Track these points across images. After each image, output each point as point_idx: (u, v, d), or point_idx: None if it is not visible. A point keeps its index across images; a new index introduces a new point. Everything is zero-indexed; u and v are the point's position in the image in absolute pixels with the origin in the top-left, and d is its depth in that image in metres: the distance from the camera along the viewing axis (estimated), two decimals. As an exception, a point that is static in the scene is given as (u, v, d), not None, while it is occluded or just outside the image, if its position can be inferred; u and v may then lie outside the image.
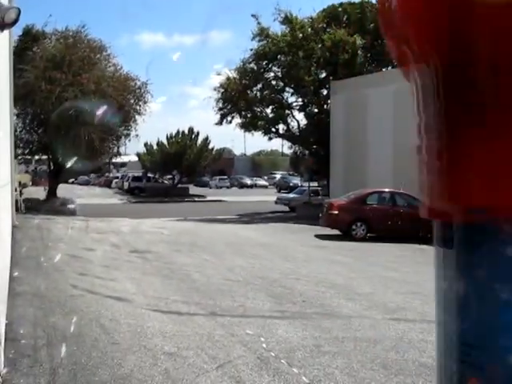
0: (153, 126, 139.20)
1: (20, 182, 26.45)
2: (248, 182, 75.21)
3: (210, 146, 54.99)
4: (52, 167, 31.52)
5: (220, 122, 34.70)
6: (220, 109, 34.16)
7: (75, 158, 32.50)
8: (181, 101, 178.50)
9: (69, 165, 34.28)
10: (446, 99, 0.57)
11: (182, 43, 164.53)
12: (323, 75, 32.47)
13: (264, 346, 6.62)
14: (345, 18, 32.89)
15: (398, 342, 6.99)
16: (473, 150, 0.53)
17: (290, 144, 38.97)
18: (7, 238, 9.48)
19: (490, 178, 0.53)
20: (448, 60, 0.58)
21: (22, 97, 24.05)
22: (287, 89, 33.82)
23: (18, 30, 25.61)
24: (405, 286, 11.10)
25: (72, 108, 26.66)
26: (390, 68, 32.31)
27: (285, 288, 10.19)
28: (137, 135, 32.60)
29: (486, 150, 0.53)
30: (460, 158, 0.55)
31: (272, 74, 33.40)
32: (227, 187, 69.29)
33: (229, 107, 33.96)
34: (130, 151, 64.24)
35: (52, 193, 31.26)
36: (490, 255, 0.54)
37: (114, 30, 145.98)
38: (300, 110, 34.10)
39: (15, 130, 23.59)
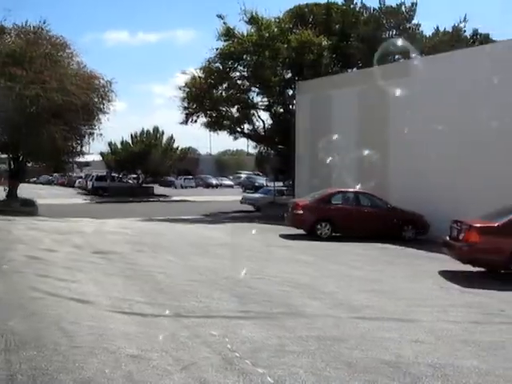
0: (117, 125, 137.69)
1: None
2: (213, 181, 75.04)
3: (175, 146, 54.80)
4: (12, 166, 30.89)
5: (185, 122, 34.49)
6: (185, 108, 33.97)
7: (37, 157, 32.02)
8: (146, 100, 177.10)
9: (30, 164, 33.76)
10: None
11: (146, 41, 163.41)
12: (289, 75, 32.53)
13: (229, 346, 6.59)
14: (311, 19, 33.02)
15: (362, 341, 7.04)
16: None
17: (255, 144, 38.97)
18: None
19: None
20: None
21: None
22: (253, 89, 33.80)
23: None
24: (369, 284, 11.20)
25: (33, 105, 26.18)
26: (354, 69, 32.61)
27: (249, 288, 10.17)
28: (101, 134, 32.18)
29: None
30: None
31: (238, 74, 33.34)
32: (192, 187, 68.99)
33: (194, 106, 33.78)
34: (93, 150, 63.52)
35: (12, 193, 30.64)
36: None
37: (77, 28, 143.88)
38: (265, 110, 34.13)
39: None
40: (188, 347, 6.53)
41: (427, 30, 44.35)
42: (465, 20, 33.90)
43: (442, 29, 34.63)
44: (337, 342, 6.96)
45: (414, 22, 34.54)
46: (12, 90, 25.65)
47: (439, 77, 20.29)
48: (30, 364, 5.71)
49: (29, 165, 33.64)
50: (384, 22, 33.93)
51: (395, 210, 19.89)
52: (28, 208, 27.81)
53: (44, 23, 29.22)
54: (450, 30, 34.14)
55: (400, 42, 10.05)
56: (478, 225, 12.38)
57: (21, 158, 30.71)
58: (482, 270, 12.79)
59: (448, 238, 13.14)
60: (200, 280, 10.82)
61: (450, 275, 12.43)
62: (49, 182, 68.91)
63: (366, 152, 23.34)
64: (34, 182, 62.32)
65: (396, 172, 22.10)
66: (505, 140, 17.95)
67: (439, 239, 13.95)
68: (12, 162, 30.84)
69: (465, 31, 34.19)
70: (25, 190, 32.05)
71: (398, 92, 21.93)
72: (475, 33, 34.17)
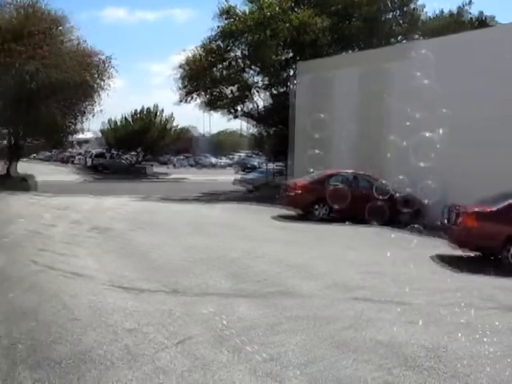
0: (116, 103, 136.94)
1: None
2: (210, 161, 74.96)
3: (174, 124, 54.70)
4: (12, 142, 30.86)
5: (183, 101, 34.39)
6: (184, 86, 33.82)
7: (36, 133, 31.96)
8: (144, 78, 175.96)
9: (29, 140, 33.71)
10: None
11: (144, 20, 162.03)
12: (289, 55, 32.38)
13: (223, 323, 6.71)
14: (312, -1, 32.79)
15: (356, 321, 7.15)
16: None
17: (252, 124, 38.88)
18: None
19: None
20: None
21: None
22: (252, 68, 33.63)
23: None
24: (364, 266, 11.28)
25: (33, 81, 26.10)
26: (356, 50, 32.45)
27: (244, 267, 10.27)
28: (101, 110, 32.07)
29: None
30: None
31: (238, 53, 33.18)
32: (190, 166, 68.98)
33: (194, 85, 33.63)
34: (93, 127, 63.41)
35: (12, 168, 30.65)
36: None
37: (74, 4, 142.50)
38: (264, 90, 34.01)
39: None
40: (184, 323, 6.65)
41: (431, 12, 44.09)
42: (470, 3, 33.75)
43: (446, 11, 34.53)
44: (331, 321, 7.06)
45: (419, 3, 34.36)
46: (11, 66, 25.55)
47: (442, 60, 20.22)
48: (29, 335, 5.83)
49: (28, 141, 33.58)
50: (388, 2, 33.71)
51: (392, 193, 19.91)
52: (27, 184, 27.86)
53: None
54: (455, 13, 33.98)
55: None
56: (475, 209, 12.48)
57: (20, 134, 30.66)
58: (478, 254, 12.89)
59: (445, 222, 13.22)
60: (196, 258, 10.90)
61: (445, 259, 12.55)
62: (48, 159, 68.75)
63: (366, 134, 23.36)
64: (34, 158, 62.16)
65: (395, 156, 22.09)
66: (507, 125, 17.94)
67: (436, 223, 14.02)
68: (12, 138, 30.79)
69: (469, 14, 34.04)
70: (25, 166, 32.06)
71: (399, 74, 21.88)
72: (480, 15, 34.02)
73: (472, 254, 12.79)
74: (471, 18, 33.79)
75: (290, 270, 10.32)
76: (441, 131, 19.94)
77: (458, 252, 12.72)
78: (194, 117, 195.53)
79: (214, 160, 75.15)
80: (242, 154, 73.49)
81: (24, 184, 27.29)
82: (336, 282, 9.49)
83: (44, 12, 28.91)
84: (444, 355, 6.07)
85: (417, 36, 33.85)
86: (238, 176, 41.27)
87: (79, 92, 29.03)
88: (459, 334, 6.84)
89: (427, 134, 20.37)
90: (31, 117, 27.46)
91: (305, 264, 11.04)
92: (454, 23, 32.47)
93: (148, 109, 53.28)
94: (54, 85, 26.71)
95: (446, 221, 13.23)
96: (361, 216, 18.78)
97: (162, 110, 53.25)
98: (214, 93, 33.78)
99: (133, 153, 55.80)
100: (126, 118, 54.12)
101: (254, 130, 40.16)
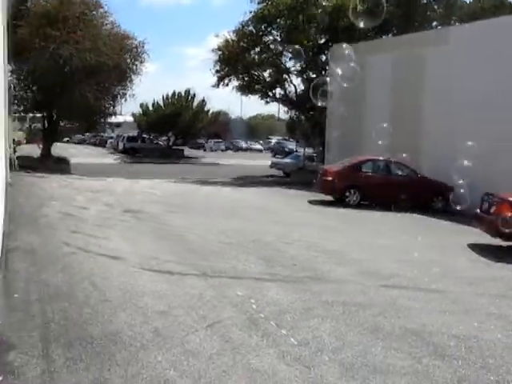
0: (150, 87, 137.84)
1: (14, 140, 26.30)
2: (243, 145, 74.97)
3: (207, 109, 54.76)
4: (47, 125, 31.27)
5: (217, 85, 34.44)
6: (217, 71, 33.85)
7: (69, 116, 32.34)
8: (179, 62, 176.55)
9: (63, 123, 34.13)
10: None
11: (179, 3, 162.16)
12: (323, 40, 32.11)
13: (254, 307, 6.70)
14: (347, -17, 32.41)
15: (387, 308, 7.08)
16: None
17: (286, 109, 38.72)
18: (1, 194, 9.46)
19: None
20: None
21: (16, 53, 23.69)
22: (286, 53, 33.46)
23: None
24: (396, 253, 11.19)
25: (67, 65, 26.33)
26: (390, 35, 31.99)
27: (277, 251, 10.25)
28: (133, 95, 32.24)
29: None
30: None
31: (271, 38, 33.02)
32: (222, 150, 69.10)
33: (226, 70, 33.64)
34: (125, 111, 63.96)
35: (46, 151, 31.09)
36: None
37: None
38: (298, 75, 33.82)
39: (9, 87, 23.33)
40: (214, 306, 6.65)
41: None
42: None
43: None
44: (362, 308, 7.01)
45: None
46: (46, 50, 25.81)
47: (479, 45, 19.79)
48: (62, 314, 5.89)
49: (62, 124, 33.98)
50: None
51: (426, 180, 19.71)
52: (61, 166, 28.22)
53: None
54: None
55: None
56: (511, 198, 12.22)
57: (54, 117, 31.04)
58: (512, 244, 12.65)
59: (479, 211, 12.99)
60: (228, 242, 10.92)
61: (478, 248, 12.36)
62: (81, 142, 69.63)
63: (399, 120, 23.06)
64: (67, 142, 62.99)
65: (429, 142, 21.81)
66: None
67: (470, 212, 13.81)
68: (46, 121, 31.20)
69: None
70: (58, 149, 32.50)
71: (434, 60, 21.52)
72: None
73: (506, 244, 12.54)
74: (510, 2, 32.95)
75: (322, 255, 10.27)
76: (477, 118, 19.62)
77: (495, 241, 12.50)
78: (226, 102, 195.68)
79: (245, 145, 75.12)
80: (276, 139, 73.41)
81: (58, 167, 27.64)
82: (369, 268, 9.41)
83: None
84: (475, 345, 5.98)
85: (453, 21, 33.21)
86: (274, 160, 41.34)
87: (112, 76, 29.22)
88: (491, 325, 6.73)
89: (463, 121, 20.08)
90: (65, 100, 27.77)
91: (338, 249, 10.98)
92: (493, 7, 31.72)
93: (180, 93, 53.42)
94: (88, 69, 26.94)
95: (478, 210, 12.98)
96: (394, 202, 18.64)
97: (194, 95, 53.38)
98: (247, 78, 33.74)
99: (164, 137, 56.09)
100: (157, 102, 54.38)
101: (288, 115, 40.08)
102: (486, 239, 12.65)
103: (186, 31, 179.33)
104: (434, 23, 33.67)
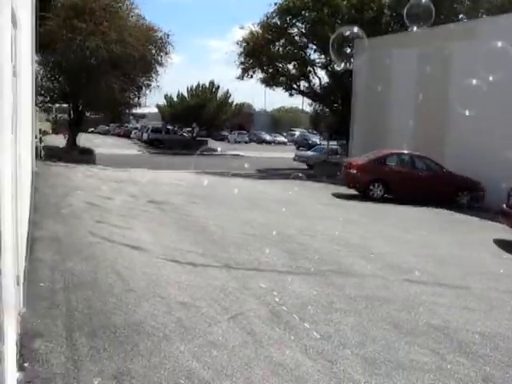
0: (174, 79, 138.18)
1: (40, 130, 26.55)
2: (267, 137, 74.85)
3: (230, 101, 54.78)
4: (72, 116, 31.54)
5: (241, 77, 34.45)
6: (242, 63, 33.86)
7: (95, 107, 32.58)
8: (203, 54, 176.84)
9: (88, 114, 34.39)
10: None
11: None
12: (348, 33, 31.94)
13: (276, 300, 6.70)
14: (372, -25, 32.13)
15: (411, 303, 7.03)
16: None
17: (310, 101, 38.59)
18: (27, 183, 9.57)
19: None
20: None
21: (43, 45, 23.90)
22: (310, 46, 33.34)
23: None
24: (420, 248, 11.10)
25: (93, 57, 26.51)
26: (415, 29, 31.62)
27: (300, 244, 10.23)
28: (158, 86, 32.35)
29: None
30: None
31: (296, 30, 32.91)
32: (246, 142, 69.07)
33: (251, 62, 33.61)
34: (150, 103, 64.18)
35: (72, 141, 31.35)
36: None
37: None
38: (322, 68, 33.68)
39: (36, 77, 23.56)
40: (236, 298, 6.66)
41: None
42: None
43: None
44: (385, 302, 6.97)
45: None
46: (73, 42, 26.03)
47: (507, 38, 19.42)
48: (86, 303, 5.95)
49: (87, 115, 34.23)
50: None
51: (451, 175, 19.51)
52: (86, 156, 28.43)
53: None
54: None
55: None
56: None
57: (80, 108, 31.28)
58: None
59: (505, 207, 12.83)
60: (251, 234, 10.93)
61: (504, 244, 12.21)
62: (106, 133, 70.11)
63: (424, 115, 22.84)
64: (92, 132, 63.48)
65: (454, 137, 21.57)
66: None
67: (495, 207, 13.65)
68: (72, 112, 31.47)
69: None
70: (84, 139, 32.77)
71: (460, 54, 21.24)
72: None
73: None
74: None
75: (345, 248, 10.23)
76: (504, 113, 19.34)
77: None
78: (250, 94, 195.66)
79: (268, 137, 75.00)
80: (300, 132, 73.24)
81: (83, 157, 27.86)
82: (392, 262, 9.35)
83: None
84: (501, 343, 5.91)
85: (480, 14, 32.73)
86: (298, 153, 41.30)
87: (138, 67, 29.35)
88: (519, 322, 6.65)
89: (489, 118, 19.81)
90: (91, 91, 27.95)
91: (361, 243, 10.92)
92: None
93: (204, 85, 53.51)
94: (114, 60, 27.11)
95: (504, 205, 12.81)
96: (418, 197, 18.49)
97: (218, 87, 53.43)
98: (271, 70, 33.68)
99: (188, 129, 56.24)
100: (182, 93, 54.53)
101: (312, 108, 39.97)
102: (512, 235, 12.51)
103: (209, 24, 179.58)
104: (461, 16, 33.23)
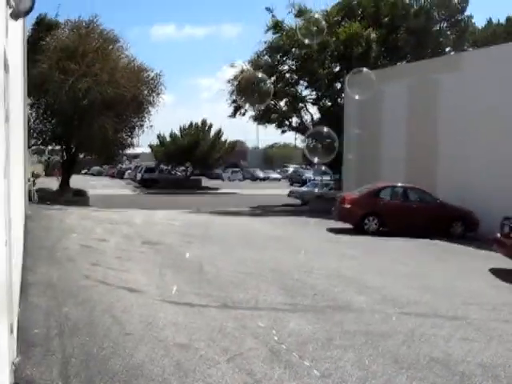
0: (165, 118, 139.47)
1: (33, 172, 26.58)
2: (260, 174, 75.06)
3: (223, 139, 55.08)
4: (65, 157, 31.66)
5: (233, 115, 34.70)
6: (233, 101, 34.14)
7: (88, 149, 32.73)
8: (193, 93, 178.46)
9: (82, 155, 34.52)
10: None
11: (193, 35, 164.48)
12: (337, 69, 32.33)
13: (275, 338, 6.63)
14: (359, 11, 32.72)
15: (410, 337, 6.98)
16: None
17: (302, 137, 38.82)
18: (20, 227, 9.53)
19: None
20: None
21: (35, 87, 24.10)
22: (301, 82, 33.71)
23: (30, 20, 25.62)
24: (416, 280, 11.07)
25: (85, 98, 26.71)
26: (403, 62, 32.13)
27: (296, 281, 10.18)
28: (151, 126, 32.64)
29: None
30: None
31: (286, 67, 33.32)
32: (240, 180, 69.25)
33: (243, 99, 33.89)
34: (143, 143, 64.52)
35: (65, 183, 31.40)
36: None
37: (123, 22, 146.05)
38: (314, 104, 34.00)
39: (29, 120, 23.69)
40: (235, 338, 6.59)
41: (480, 22, 43.40)
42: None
43: (495, 20, 33.87)
44: (384, 337, 6.91)
45: (466, 13, 33.88)
46: (65, 83, 26.28)
47: (492, 70, 19.78)
48: (82, 349, 5.87)
49: (80, 156, 34.36)
50: (435, 14, 33.34)
51: (444, 206, 19.57)
52: (80, 198, 28.45)
53: (96, 17, 29.83)
54: (504, 22, 33.30)
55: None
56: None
57: (73, 150, 31.41)
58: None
59: (499, 235, 12.84)
60: (247, 272, 10.87)
61: (500, 273, 12.18)
62: (99, 173, 70.23)
63: (416, 146, 23.00)
64: (85, 173, 63.59)
65: (445, 167, 21.71)
66: None
67: (489, 236, 13.67)
68: (65, 154, 31.58)
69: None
70: (76, 181, 32.80)
71: (448, 86, 21.52)
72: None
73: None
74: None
75: (342, 283, 10.18)
76: (492, 142, 19.51)
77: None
78: (242, 131, 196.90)
79: (262, 174, 75.22)
80: (293, 167, 73.56)
81: (76, 199, 27.87)
82: (389, 296, 9.30)
83: (97, 31, 29.69)
84: (502, 374, 5.86)
85: (465, 47, 33.34)
86: (292, 189, 41.42)
87: (130, 108, 29.61)
88: (519, 353, 6.59)
89: (479, 147, 19.98)
90: (83, 133, 28.13)
91: (357, 278, 10.88)
92: (505, 32, 31.79)
93: (196, 124, 53.86)
94: (106, 101, 27.35)
95: (498, 235, 12.83)
96: (413, 229, 18.50)
97: (211, 125, 53.80)
98: (263, 107, 33.97)
99: (182, 168, 56.42)
100: (175, 133, 54.83)
101: (303, 144, 40.18)
102: (507, 264, 12.48)
103: (200, 62, 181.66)
104: (447, 49, 33.81)
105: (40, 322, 6.75)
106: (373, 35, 30.50)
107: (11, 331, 4.87)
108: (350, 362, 5.98)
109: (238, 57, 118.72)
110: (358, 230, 19.16)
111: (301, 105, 34.18)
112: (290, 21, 31.78)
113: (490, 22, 34.27)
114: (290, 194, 37.23)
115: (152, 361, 5.66)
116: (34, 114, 29.04)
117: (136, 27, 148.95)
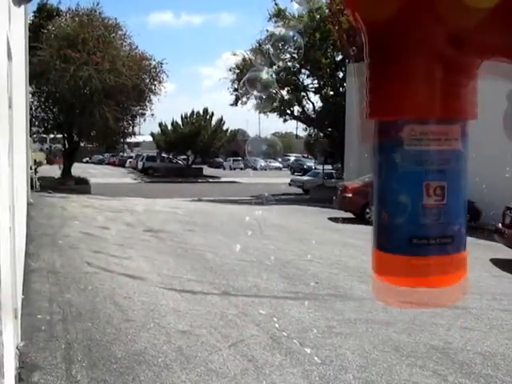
0: (166, 107, 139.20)
1: (35, 161, 26.57)
2: (262, 163, 74.84)
3: (225, 127, 54.96)
4: (67, 146, 31.62)
5: (235, 103, 34.68)
6: (235, 90, 34.12)
7: (89, 137, 32.73)
8: (194, 81, 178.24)
9: (83, 144, 34.52)
10: None
11: (190, 23, 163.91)
12: (340, 57, 32.27)
13: (276, 326, 6.67)
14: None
15: (411, 325, 7.00)
16: None
17: (304, 126, 38.85)
18: (22, 215, 9.56)
19: None
20: None
21: (37, 75, 24.08)
22: (303, 71, 33.66)
23: (31, 7, 25.51)
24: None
25: (86, 86, 26.69)
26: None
27: (298, 269, 10.21)
28: (152, 115, 32.55)
29: None
30: None
31: (288, 56, 33.25)
32: (241, 168, 69.18)
33: (245, 88, 33.88)
34: (144, 131, 64.50)
35: (67, 171, 31.38)
36: None
37: (122, 10, 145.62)
38: (315, 93, 33.97)
39: (30, 108, 23.68)
40: (236, 325, 6.63)
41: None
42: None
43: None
44: (385, 325, 6.95)
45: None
46: (66, 72, 26.22)
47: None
48: (85, 335, 5.92)
49: (82, 145, 34.35)
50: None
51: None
52: (81, 186, 28.43)
53: (97, 5, 29.74)
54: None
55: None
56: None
57: (74, 138, 31.39)
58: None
59: (500, 226, 12.84)
60: (249, 260, 10.90)
61: (501, 263, 12.19)
62: (100, 162, 70.24)
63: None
64: (87, 162, 63.61)
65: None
66: None
67: (491, 226, 13.66)
68: (66, 142, 31.56)
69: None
70: (78, 169, 32.81)
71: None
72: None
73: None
74: None
75: (343, 272, 10.21)
76: (496, 131, 19.47)
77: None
78: (243, 120, 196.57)
79: (263, 163, 75.04)
80: (295, 157, 73.49)
81: (78, 187, 27.87)
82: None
83: (99, 19, 29.59)
84: (502, 363, 5.88)
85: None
86: (294, 178, 41.45)
87: (131, 96, 29.54)
88: (519, 342, 6.62)
89: (480, 135, 19.92)
90: (85, 121, 28.10)
91: (358, 266, 10.87)
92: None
93: (198, 112, 53.72)
94: (108, 90, 27.30)
95: (499, 224, 12.82)
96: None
97: (212, 114, 53.65)
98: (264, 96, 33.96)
99: (183, 156, 56.36)
100: (176, 121, 54.71)
101: (306, 133, 40.22)
102: (508, 254, 12.49)
103: (199, 51, 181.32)
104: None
105: (43, 307, 6.80)
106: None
107: (15, 316, 4.92)
108: (351, 349, 6.01)
109: (237, 45, 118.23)
110: (360, 219, 19.15)
111: (302, 94, 34.13)
112: (292, 9, 31.70)
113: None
114: (292, 183, 37.26)
115: (154, 347, 5.70)
116: (35, 103, 28.98)
117: (134, 15, 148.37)
